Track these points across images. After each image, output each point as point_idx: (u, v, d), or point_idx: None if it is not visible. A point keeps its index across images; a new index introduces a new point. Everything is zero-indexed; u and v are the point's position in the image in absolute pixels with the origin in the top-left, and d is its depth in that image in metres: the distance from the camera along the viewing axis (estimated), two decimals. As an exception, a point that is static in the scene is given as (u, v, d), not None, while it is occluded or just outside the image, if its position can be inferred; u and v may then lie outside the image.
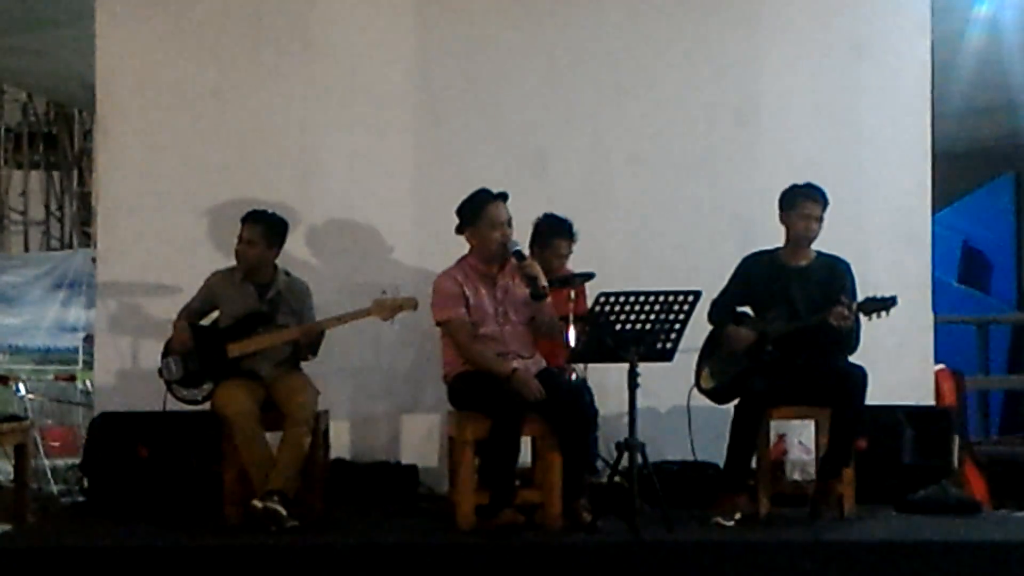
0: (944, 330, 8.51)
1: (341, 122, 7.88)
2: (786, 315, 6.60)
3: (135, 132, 7.84)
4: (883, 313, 6.41)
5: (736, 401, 6.73)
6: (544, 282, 6.43)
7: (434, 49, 7.95)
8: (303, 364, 6.88)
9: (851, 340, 6.59)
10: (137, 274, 7.74)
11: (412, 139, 7.90)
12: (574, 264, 7.16)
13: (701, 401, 6.87)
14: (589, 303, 6.51)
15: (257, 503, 6.25)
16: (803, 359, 6.57)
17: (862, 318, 6.47)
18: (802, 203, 6.66)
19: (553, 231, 7.11)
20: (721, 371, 6.74)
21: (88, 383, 9.77)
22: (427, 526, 6.51)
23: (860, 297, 6.55)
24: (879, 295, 6.42)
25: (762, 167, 7.84)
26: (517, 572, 5.92)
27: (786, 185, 6.78)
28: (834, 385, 6.49)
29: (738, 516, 6.42)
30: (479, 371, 6.40)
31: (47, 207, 17.45)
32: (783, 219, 6.74)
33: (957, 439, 7.49)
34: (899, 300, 6.43)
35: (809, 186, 6.71)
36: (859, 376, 6.47)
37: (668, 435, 7.18)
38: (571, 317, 6.58)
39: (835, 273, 6.70)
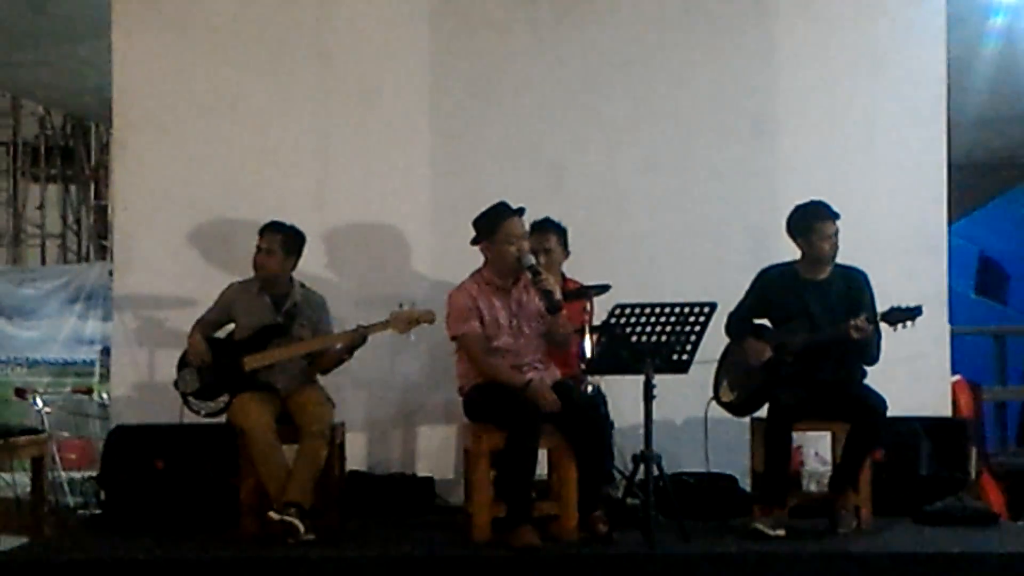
0: (961, 341, 8.48)
1: (357, 134, 7.90)
2: (806, 328, 6.57)
3: (151, 145, 7.87)
4: (908, 323, 6.39)
5: (755, 413, 6.73)
6: (559, 296, 6.44)
7: (450, 60, 7.96)
8: (320, 376, 6.89)
9: (872, 351, 6.57)
10: (154, 287, 7.75)
11: (428, 150, 7.91)
12: (589, 275, 7.15)
13: (717, 413, 6.87)
14: (602, 316, 6.50)
15: (273, 515, 6.26)
16: (825, 374, 6.55)
17: (886, 328, 6.45)
18: (819, 225, 6.62)
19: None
20: (742, 384, 6.73)
21: (105, 396, 9.79)
22: (443, 538, 6.50)
23: (880, 307, 6.55)
24: (903, 305, 6.40)
25: (778, 178, 7.83)
26: (533, 584, 5.94)
27: (802, 197, 6.76)
28: (854, 413, 6.47)
29: (781, 532, 6.37)
30: (494, 383, 6.40)
31: (64, 220, 17.52)
32: (800, 243, 6.69)
33: (974, 450, 7.47)
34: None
35: (817, 205, 6.66)
36: (879, 407, 6.44)
37: (684, 447, 7.18)
38: (586, 329, 6.59)
39: (853, 284, 6.68)
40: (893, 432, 6.88)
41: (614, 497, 6.61)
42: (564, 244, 7.15)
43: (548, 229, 7.08)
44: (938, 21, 8.02)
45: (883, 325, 6.46)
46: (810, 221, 6.65)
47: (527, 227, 6.62)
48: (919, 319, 6.41)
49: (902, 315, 6.38)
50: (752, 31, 8.02)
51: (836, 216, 6.64)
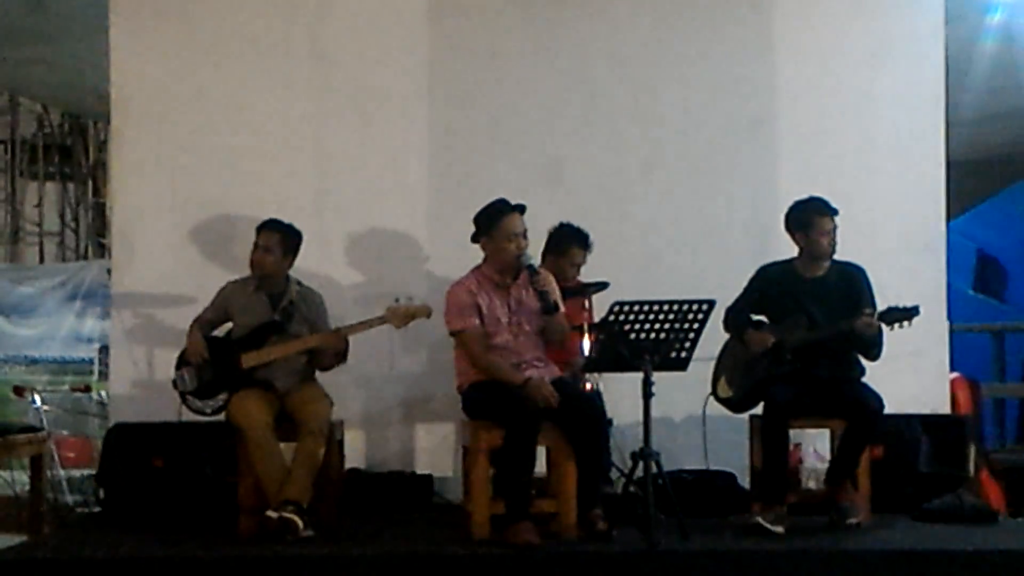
0: (959, 338, 8.48)
1: (355, 132, 7.90)
2: (804, 325, 6.57)
3: (149, 143, 7.87)
4: (905, 323, 6.39)
5: (752, 411, 6.73)
6: (557, 296, 6.44)
7: (447, 58, 7.96)
8: (319, 374, 6.88)
9: (875, 347, 6.57)
10: (152, 285, 7.76)
11: (426, 148, 7.91)
12: (588, 271, 7.16)
13: (716, 410, 6.87)
14: (600, 314, 6.50)
15: (272, 513, 6.26)
16: (822, 371, 6.55)
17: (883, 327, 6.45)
18: (818, 220, 6.62)
19: (569, 239, 7.11)
20: (740, 380, 6.73)
21: (103, 394, 9.78)
22: (442, 536, 6.50)
23: (879, 305, 6.54)
24: (901, 305, 6.39)
25: (777, 175, 7.84)
26: (532, 582, 5.94)
27: (800, 194, 6.76)
28: (850, 411, 6.48)
29: (780, 529, 6.36)
30: (493, 380, 6.40)
31: (62, 218, 17.48)
32: (798, 239, 6.70)
33: (973, 447, 7.47)
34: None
35: (816, 201, 6.67)
36: (875, 405, 6.45)
37: (683, 444, 7.19)
38: (585, 327, 6.59)
39: (851, 280, 6.68)
40: (892, 429, 6.89)
41: (613, 494, 6.61)
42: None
43: (586, 245, 7.11)
44: (936, 18, 8.02)
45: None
46: (809, 216, 6.66)
47: (526, 224, 6.61)
48: (917, 317, 6.41)
49: (899, 315, 6.38)
50: (750, 28, 8.03)
51: (835, 212, 6.65)
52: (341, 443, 6.93)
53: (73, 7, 9.44)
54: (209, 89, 7.88)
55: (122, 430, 7.29)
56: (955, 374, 8.13)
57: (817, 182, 6.94)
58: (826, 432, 6.98)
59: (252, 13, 7.94)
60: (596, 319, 6.72)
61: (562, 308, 6.50)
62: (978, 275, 13.04)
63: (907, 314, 6.37)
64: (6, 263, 16.49)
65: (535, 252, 6.72)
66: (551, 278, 6.54)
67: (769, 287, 6.77)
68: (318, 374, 6.88)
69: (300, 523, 6.22)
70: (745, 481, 7.04)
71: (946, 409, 7.85)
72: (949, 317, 7.99)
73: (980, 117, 11.10)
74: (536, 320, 6.53)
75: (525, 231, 6.53)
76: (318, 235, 7.65)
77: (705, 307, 6.22)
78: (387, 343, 7.40)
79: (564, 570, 6.00)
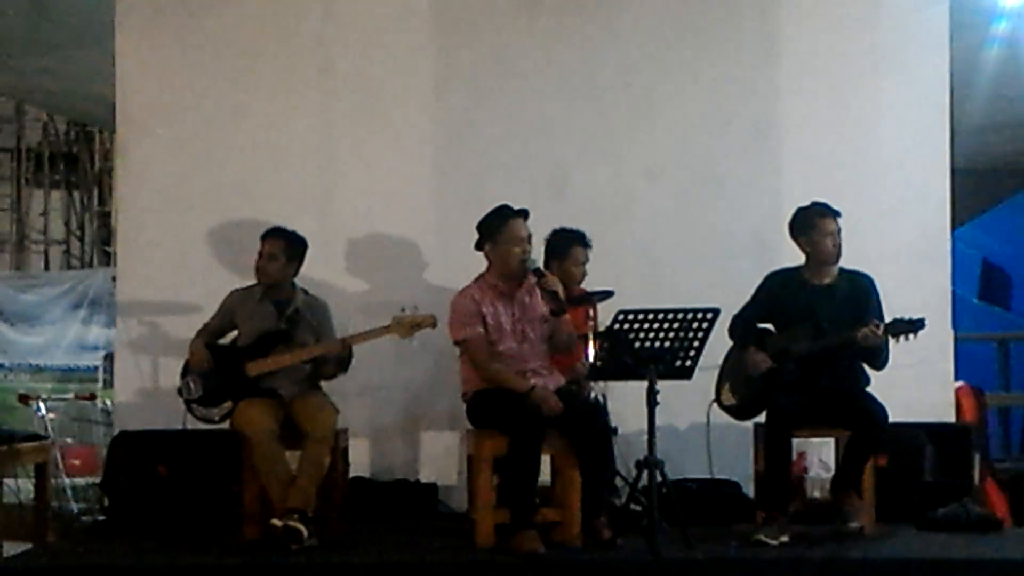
0: (964, 347, 8.47)
1: (360, 141, 7.91)
2: (811, 333, 6.56)
3: (155, 151, 7.88)
4: (910, 335, 6.38)
5: (756, 419, 6.73)
6: (563, 297, 6.44)
7: (453, 67, 7.97)
8: (324, 383, 6.88)
9: (880, 356, 6.56)
10: (157, 293, 7.76)
11: (431, 157, 7.92)
12: (593, 280, 7.16)
13: (720, 418, 6.86)
14: (605, 322, 6.50)
15: (276, 522, 6.25)
16: (827, 380, 6.54)
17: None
18: (820, 222, 6.63)
19: (567, 240, 7.09)
20: (743, 388, 6.73)
21: (108, 402, 9.79)
22: (446, 544, 6.50)
23: (885, 312, 6.54)
24: (906, 317, 6.39)
25: (780, 184, 7.83)
26: (536, 591, 5.94)
27: (805, 202, 6.77)
28: (854, 421, 6.47)
29: (784, 539, 6.36)
30: (497, 388, 6.40)
31: (68, 226, 17.50)
32: (803, 243, 6.70)
33: (978, 457, 7.46)
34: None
35: (818, 204, 6.69)
36: (879, 415, 6.43)
37: (687, 452, 7.18)
38: (590, 335, 6.59)
39: (860, 289, 6.67)
40: (897, 438, 6.87)
41: (617, 503, 6.61)
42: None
43: (585, 242, 7.10)
44: (941, 26, 8.01)
45: (885, 336, 6.46)
46: (811, 219, 6.67)
47: (530, 230, 6.61)
48: (923, 329, 6.40)
49: (905, 327, 6.37)
50: (755, 37, 8.02)
51: (837, 214, 6.66)
52: (346, 451, 6.94)
53: (79, 16, 9.44)
54: (214, 97, 7.90)
55: (127, 438, 7.30)
56: (960, 383, 8.11)
57: (821, 190, 6.93)
58: (831, 441, 6.96)
59: (257, 21, 7.95)
60: (601, 328, 6.72)
61: (567, 316, 6.50)
62: (983, 284, 13.03)
63: (912, 326, 6.35)
64: (11, 271, 16.51)
65: (540, 261, 6.71)
66: (557, 279, 6.53)
67: (776, 294, 6.76)
68: (323, 382, 6.89)
69: (305, 531, 6.22)
70: (749, 490, 7.04)
71: (951, 418, 7.84)
72: (954, 326, 7.98)
73: (985, 125, 11.10)
74: (540, 327, 6.53)
75: (530, 236, 6.54)
76: (323, 244, 7.66)
77: (710, 316, 6.22)
78: (392, 352, 7.40)
79: (568, 579, 6.02)
